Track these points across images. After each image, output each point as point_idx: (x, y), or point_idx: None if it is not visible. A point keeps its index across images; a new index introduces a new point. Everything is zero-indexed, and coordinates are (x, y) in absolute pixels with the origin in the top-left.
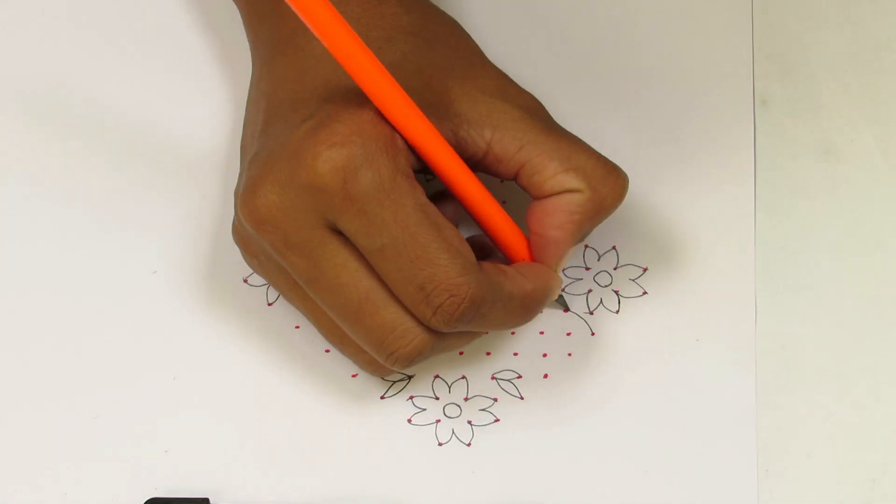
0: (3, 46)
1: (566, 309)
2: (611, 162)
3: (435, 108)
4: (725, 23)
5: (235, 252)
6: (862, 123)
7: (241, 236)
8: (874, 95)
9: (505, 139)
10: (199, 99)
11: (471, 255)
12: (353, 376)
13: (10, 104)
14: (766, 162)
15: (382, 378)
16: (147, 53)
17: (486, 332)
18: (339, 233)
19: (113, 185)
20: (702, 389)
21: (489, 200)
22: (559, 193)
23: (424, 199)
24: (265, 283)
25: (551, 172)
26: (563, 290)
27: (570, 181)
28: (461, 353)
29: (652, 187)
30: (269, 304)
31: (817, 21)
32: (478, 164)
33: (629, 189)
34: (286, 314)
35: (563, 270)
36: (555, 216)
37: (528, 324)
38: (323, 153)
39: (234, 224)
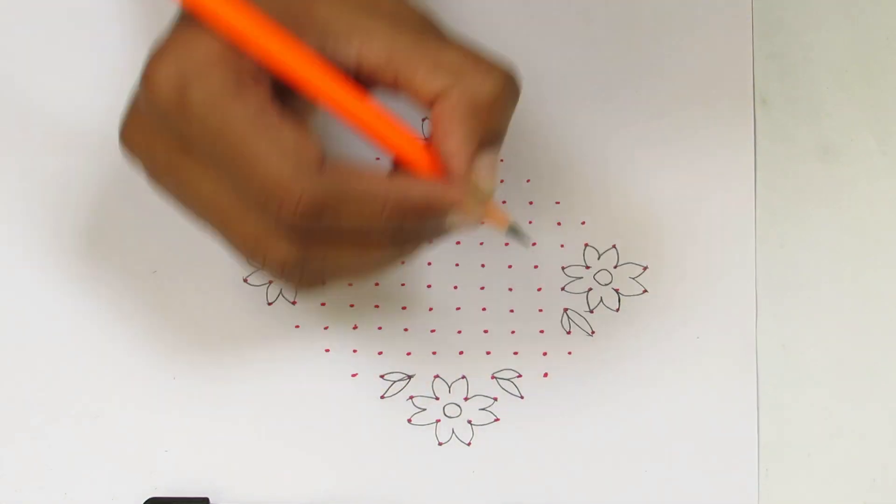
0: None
1: (532, 243)
2: (484, 55)
3: (298, 21)
4: (725, 23)
5: None
6: (862, 123)
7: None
8: (874, 95)
9: (373, 49)
10: None
11: (311, 156)
12: (353, 376)
13: (10, 104)
14: (766, 162)
15: (300, 292)
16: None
17: (380, 249)
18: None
19: (113, 184)
20: (702, 389)
21: (365, 109)
22: (437, 101)
23: (260, 106)
24: (265, 283)
25: (421, 76)
26: (511, 222)
27: (437, 80)
28: (461, 353)
29: (652, 186)
30: (269, 304)
31: (817, 21)
32: (359, 83)
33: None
34: (286, 314)
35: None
36: (440, 124)
37: (527, 322)
38: (158, 70)
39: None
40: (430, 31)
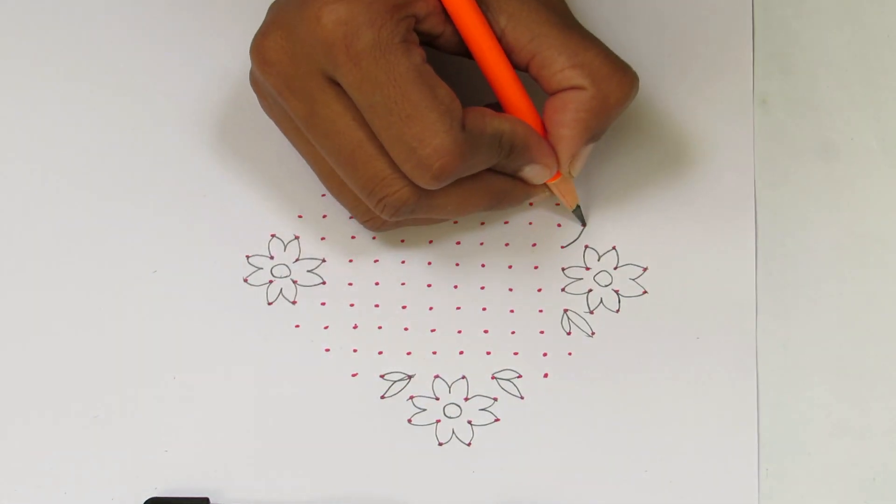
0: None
1: (583, 223)
2: (620, 60)
3: None
4: (725, 22)
5: (235, 252)
6: (862, 122)
7: (255, 80)
8: (874, 94)
9: (518, 29)
10: (199, 100)
11: (460, 113)
12: (353, 376)
13: (10, 104)
14: (766, 161)
15: (375, 232)
16: (147, 54)
17: (484, 204)
18: (337, 84)
19: (113, 184)
20: (702, 389)
21: (510, 77)
22: (566, 90)
23: (420, 62)
24: (265, 282)
25: (559, 67)
26: (579, 203)
27: (575, 77)
28: (461, 353)
29: (652, 186)
30: (269, 304)
31: (817, 20)
32: None
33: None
34: (286, 314)
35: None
36: (562, 114)
37: (527, 323)
38: (328, 6)
39: (250, 70)
40: (572, 21)
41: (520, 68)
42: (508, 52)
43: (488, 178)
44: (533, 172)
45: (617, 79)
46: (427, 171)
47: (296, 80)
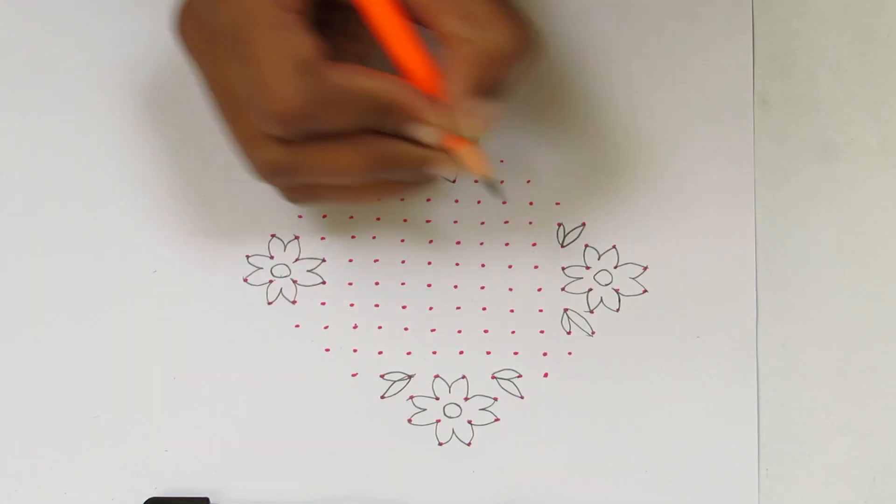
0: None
1: (504, 201)
2: (508, 9)
3: None
4: (725, 23)
5: (235, 252)
6: (862, 122)
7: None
8: (874, 94)
9: None
10: (199, 99)
11: (309, 56)
12: (353, 376)
13: (10, 103)
14: (766, 161)
15: (296, 206)
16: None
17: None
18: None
19: (113, 184)
20: (702, 388)
21: (397, 30)
22: (457, 43)
23: (288, 9)
24: (265, 282)
25: (446, 18)
26: (494, 178)
27: (459, 27)
28: (461, 353)
29: (652, 186)
30: (269, 304)
31: (817, 20)
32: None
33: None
34: (286, 315)
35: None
36: (448, 66)
37: (527, 322)
38: None
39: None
40: None
41: (416, 21)
42: (403, 4)
43: (372, 138)
44: (420, 132)
45: (500, 27)
46: (271, 115)
47: (196, 45)
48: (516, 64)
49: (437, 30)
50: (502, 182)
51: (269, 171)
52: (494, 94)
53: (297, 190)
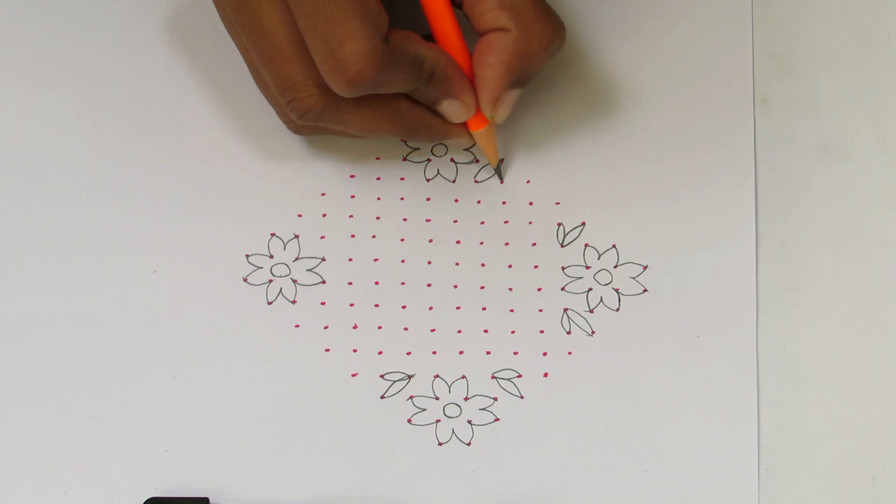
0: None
1: (501, 180)
2: (547, 7)
3: None
4: (725, 22)
5: (235, 252)
6: (862, 121)
7: None
8: (874, 93)
9: None
10: (199, 99)
11: (385, 25)
12: (353, 376)
13: (10, 103)
14: (766, 160)
15: (295, 133)
16: (148, 54)
17: (404, 131)
18: None
19: (113, 184)
20: (702, 388)
21: (444, 10)
22: (492, 31)
23: None
24: (265, 282)
25: (488, 7)
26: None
27: (502, 18)
28: (461, 353)
29: (652, 185)
30: (269, 304)
31: (817, 19)
32: None
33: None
34: (286, 315)
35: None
36: (486, 55)
37: (527, 322)
38: None
39: None
40: None
41: (455, 4)
42: None
43: (404, 105)
44: (451, 108)
45: (542, 24)
46: (342, 74)
47: None
48: (549, 59)
49: (478, 17)
50: (502, 161)
51: (304, 118)
52: (525, 84)
53: (312, 128)
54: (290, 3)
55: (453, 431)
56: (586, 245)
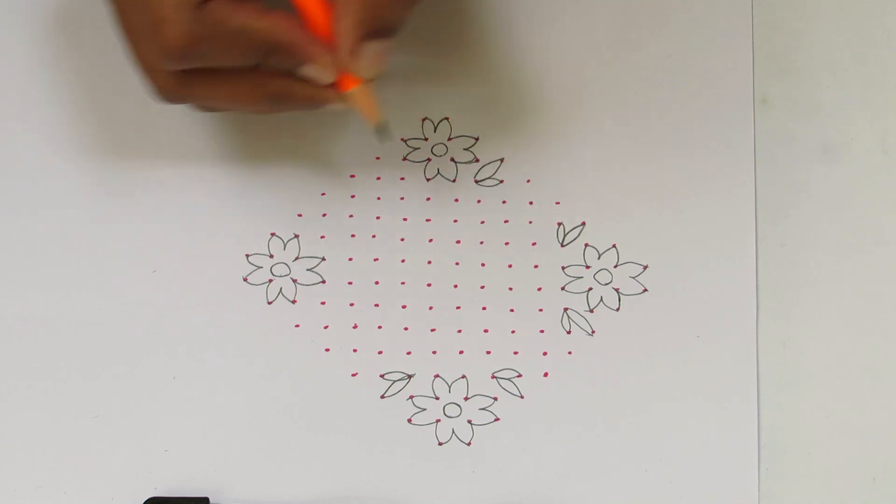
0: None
1: (382, 139)
2: None
3: None
4: (725, 22)
5: (235, 252)
6: (862, 121)
7: None
8: (874, 93)
9: None
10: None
11: None
12: (353, 376)
13: (11, 103)
14: (766, 160)
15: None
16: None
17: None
18: None
19: (113, 184)
20: (702, 387)
21: None
22: None
23: None
24: (265, 281)
25: None
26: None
27: None
28: (461, 353)
29: (652, 186)
30: (269, 304)
31: (817, 20)
32: None
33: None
34: (286, 314)
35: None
36: (338, 5)
37: (527, 322)
38: None
39: None
40: None
41: None
42: None
43: (262, 75)
44: (312, 72)
45: None
46: (160, 49)
47: None
48: (408, 6)
49: None
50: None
51: (165, 97)
52: (386, 34)
53: (199, 107)
54: None
55: (453, 431)
56: (586, 245)
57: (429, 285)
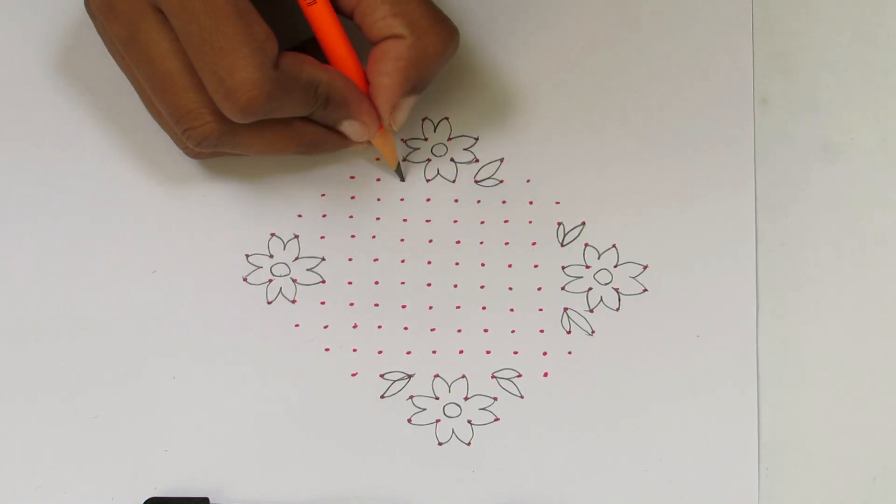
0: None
1: (402, 178)
2: (441, 13)
3: None
4: (725, 22)
5: (235, 252)
6: (862, 121)
7: (86, 3)
8: (874, 93)
9: None
10: None
11: (273, 52)
12: (353, 375)
13: (11, 103)
14: (766, 160)
15: (192, 158)
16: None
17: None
18: (160, 12)
19: (113, 184)
20: (702, 387)
21: (333, 26)
22: (387, 39)
23: None
24: (265, 281)
25: (380, 15)
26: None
27: (396, 26)
28: (461, 352)
29: (652, 185)
30: (269, 304)
31: (817, 20)
32: None
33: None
34: (286, 314)
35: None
36: (382, 63)
37: (527, 322)
38: None
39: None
40: None
41: (345, 15)
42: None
43: (301, 125)
44: (352, 128)
45: (436, 30)
46: (234, 102)
47: (119, 6)
48: (444, 64)
49: (371, 26)
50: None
51: (201, 145)
52: (420, 91)
53: (210, 153)
54: (178, 34)
55: (453, 431)
56: (586, 244)
57: (429, 285)
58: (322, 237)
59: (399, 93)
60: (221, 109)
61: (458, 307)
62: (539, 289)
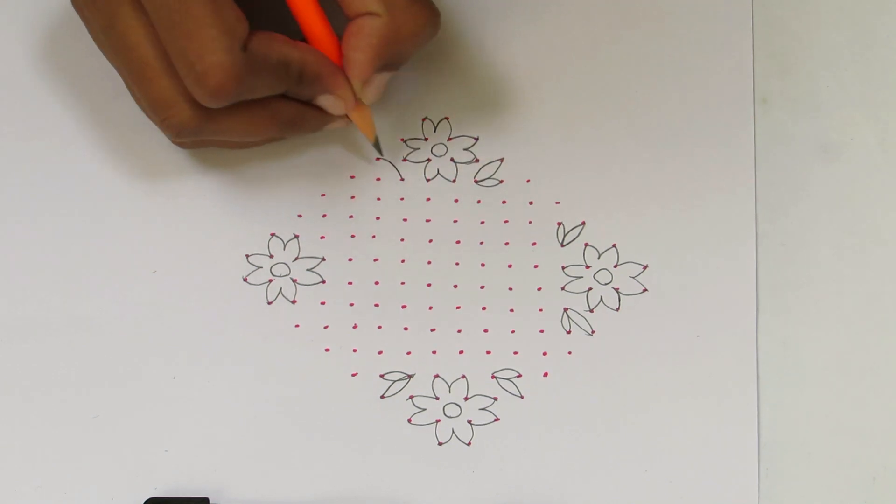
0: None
1: (380, 152)
2: None
3: None
4: (725, 22)
5: (235, 252)
6: (862, 121)
7: None
8: (874, 93)
9: None
10: None
11: (243, 33)
12: (353, 376)
13: (10, 103)
14: (766, 160)
15: (177, 145)
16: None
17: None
18: (138, 0)
19: (113, 184)
20: (702, 387)
21: (310, 3)
22: (363, 16)
23: None
24: (265, 282)
25: None
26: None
27: (371, 3)
28: (461, 353)
29: (652, 185)
30: (269, 304)
31: (817, 20)
32: None
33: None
34: (286, 314)
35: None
36: (356, 38)
37: (527, 322)
38: None
39: None
40: None
41: None
42: None
43: (277, 104)
44: (328, 102)
45: (413, 11)
46: (203, 87)
47: (104, 5)
48: (422, 45)
49: (349, 3)
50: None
51: (180, 132)
52: (394, 67)
53: (194, 143)
54: (152, 19)
55: (453, 431)
56: (586, 244)
57: (429, 285)
58: (322, 237)
59: (370, 68)
60: (193, 95)
61: (458, 307)
62: (539, 289)
